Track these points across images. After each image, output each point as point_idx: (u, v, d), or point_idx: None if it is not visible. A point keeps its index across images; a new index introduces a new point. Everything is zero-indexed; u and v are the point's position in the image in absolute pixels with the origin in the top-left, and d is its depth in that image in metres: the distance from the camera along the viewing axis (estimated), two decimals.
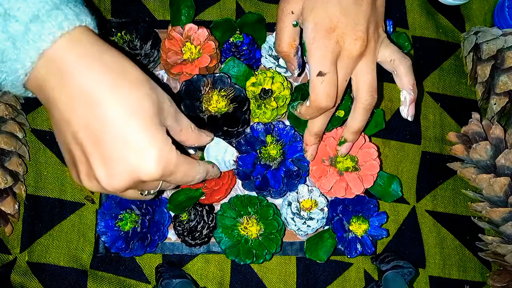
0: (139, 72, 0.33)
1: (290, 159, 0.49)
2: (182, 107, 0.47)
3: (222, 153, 0.46)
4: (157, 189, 0.37)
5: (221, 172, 0.46)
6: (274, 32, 0.53)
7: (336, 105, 0.42)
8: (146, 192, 0.37)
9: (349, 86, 0.49)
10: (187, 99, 0.47)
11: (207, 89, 0.47)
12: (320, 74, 0.39)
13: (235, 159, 0.47)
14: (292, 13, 0.41)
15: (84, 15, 0.32)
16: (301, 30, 0.42)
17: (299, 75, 0.47)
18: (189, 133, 0.38)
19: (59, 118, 0.31)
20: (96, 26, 0.33)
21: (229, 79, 0.48)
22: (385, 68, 0.44)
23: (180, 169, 0.34)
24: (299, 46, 0.43)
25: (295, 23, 0.41)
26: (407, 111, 0.44)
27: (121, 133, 0.31)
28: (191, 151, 0.46)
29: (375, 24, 0.41)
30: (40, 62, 0.30)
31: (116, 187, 0.32)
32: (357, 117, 0.43)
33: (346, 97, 0.50)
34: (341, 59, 0.40)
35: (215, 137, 0.45)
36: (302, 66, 0.45)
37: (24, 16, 0.29)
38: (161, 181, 0.35)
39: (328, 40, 0.39)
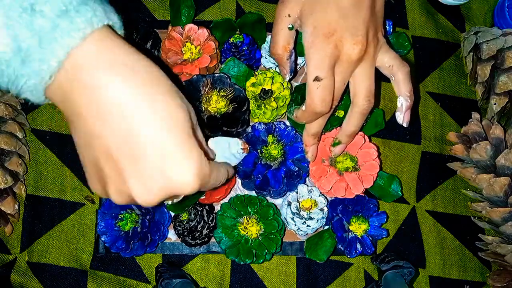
0: (169, 81, 0.31)
1: (291, 160, 0.49)
2: None
3: (227, 149, 0.46)
4: (180, 197, 0.35)
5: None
6: None
7: (332, 109, 0.42)
8: (169, 202, 0.36)
9: (348, 86, 0.49)
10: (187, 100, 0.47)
11: (206, 89, 0.47)
12: (316, 79, 0.39)
13: (242, 147, 0.46)
14: (289, 16, 0.41)
15: (111, 13, 0.30)
16: (297, 34, 0.42)
17: (290, 80, 0.47)
18: (202, 146, 0.36)
19: (86, 131, 0.29)
20: (122, 26, 0.31)
21: (228, 79, 0.48)
22: (383, 73, 0.43)
23: (212, 177, 0.34)
24: (293, 50, 0.43)
25: (290, 26, 0.42)
26: (402, 117, 0.44)
27: (158, 148, 0.29)
28: None
29: (374, 29, 0.40)
30: (66, 66, 0.27)
31: (152, 203, 0.30)
32: (353, 121, 0.43)
33: (346, 97, 0.50)
34: (339, 63, 0.39)
35: (212, 138, 0.45)
36: (294, 71, 0.45)
37: (51, 11, 0.26)
38: None
39: (327, 45, 0.38)
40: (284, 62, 0.43)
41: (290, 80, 0.46)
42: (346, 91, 0.50)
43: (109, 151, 0.29)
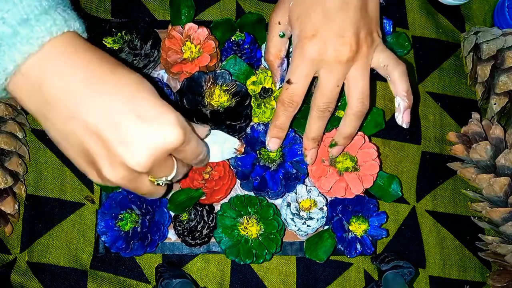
0: (126, 68, 0.33)
1: (289, 162, 0.49)
2: (184, 101, 0.47)
3: (219, 143, 0.46)
4: (173, 172, 0.36)
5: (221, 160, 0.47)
6: None
7: (330, 112, 0.43)
8: (163, 179, 0.36)
9: None
10: (189, 94, 0.48)
11: (208, 84, 0.48)
12: (288, 81, 0.41)
13: (236, 147, 0.46)
14: (279, 23, 0.42)
15: (72, 21, 0.32)
16: (290, 42, 0.43)
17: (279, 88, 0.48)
18: None
19: (60, 118, 0.31)
20: (85, 31, 0.33)
21: (230, 76, 0.49)
22: (380, 73, 0.43)
23: (192, 138, 0.34)
24: (284, 58, 0.44)
25: (281, 34, 0.42)
26: (401, 118, 0.44)
27: (133, 110, 0.30)
28: None
29: (367, 29, 0.40)
30: (24, 68, 0.29)
31: (144, 163, 0.31)
32: (348, 123, 0.43)
33: (346, 97, 0.50)
34: (327, 65, 0.39)
35: (214, 130, 0.45)
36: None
37: (12, 19, 0.28)
38: (175, 164, 0.35)
39: (308, 48, 0.39)
40: (275, 69, 0.44)
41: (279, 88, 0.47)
42: (341, 94, 0.50)
43: (89, 125, 0.30)
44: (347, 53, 0.39)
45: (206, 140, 0.45)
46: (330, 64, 0.39)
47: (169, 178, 0.36)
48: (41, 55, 0.29)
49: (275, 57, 0.43)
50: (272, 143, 0.46)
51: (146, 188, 0.35)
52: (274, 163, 0.48)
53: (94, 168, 0.32)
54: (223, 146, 0.46)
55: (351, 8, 0.39)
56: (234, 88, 0.48)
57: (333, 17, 0.39)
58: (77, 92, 0.30)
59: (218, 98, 0.48)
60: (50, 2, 0.30)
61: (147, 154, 0.31)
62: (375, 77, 0.59)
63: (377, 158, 0.49)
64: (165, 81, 0.54)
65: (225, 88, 0.48)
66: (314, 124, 0.44)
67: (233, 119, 0.48)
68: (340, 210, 0.50)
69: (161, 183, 0.36)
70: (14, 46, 0.28)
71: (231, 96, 0.48)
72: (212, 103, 0.48)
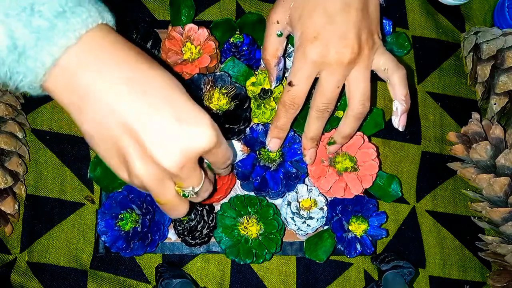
0: (161, 69, 0.33)
1: (289, 161, 0.49)
2: None
3: None
4: (200, 183, 0.35)
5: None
6: None
7: (329, 112, 0.43)
8: (189, 189, 0.35)
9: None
10: None
11: (208, 87, 0.47)
12: (290, 83, 0.41)
13: (242, 148, 0.47)
14: (278, 23, 0.41)
15: (105, 12, 0.31)
16: (287, 41, 0.43)
17: (274, 87, 0.48)
18: None
19: (96, 113, 0.30)
20: (115, 24, 0.33)
21: (229, 78, 0.48)
22: (379, 76, 0.43)
23: (223, 141, 0.34)
24: (281, 58, 0.44)
25: (279, 33, 0.42)
26: (398, 121, 0.44)
27: (170, 110, 0.30)
28: None
29: (368, 31, 0.40)
30: (62, 61, 0.29)
31: (176, 163, 0.31)
32: (348, 124, 0.43)
33: (346, 98, 0.50)
34: (329, 67, 0.39)
35: None
36: (282, 79, 0.46)
37: (49, 11, 0.28)
38: (203, 177, 0.35)
39: (309, 50, 0.39)
40: (271, 68, 0.44)
41: (274, 87, 0.47)
42: (341, 95, 0.50)
43: (125, 124, 0.30)
44: (349, 55, 0.39)
45: None
46: (331, 66, 0.39)
47: (196, 189, 0.35)
48: (79, 48, 0.29)
49: (272, 56, 0.43)
50: (273, 144, 0.46)
51: (170, 195, 0.34)
52: (274, 163, 0.48)
53: (124, 165, 0.32)
54: None
55: (352, 9, 0.39)
56: (233, 91, 0.48)
57: (335, 19, 0.38)
58: (115, 88, 0.30)
59: (217, 101, 0.47)
60: None
61: (181, 154, 0.31)
62: (375, 77, 0.59)
63: (376, 158, 0.49)
64: None
65: (224, 91, 0.48)
66: (313, 124, 0.44)
67: (232, 122, 0.48)
68: (339, 210, 0.50)
69: (186, 194, 0.35)
70: (51, 40, 0.28)
71: (230, 99, 0.48)
72: (211, 106, 0.48)
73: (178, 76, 0.42)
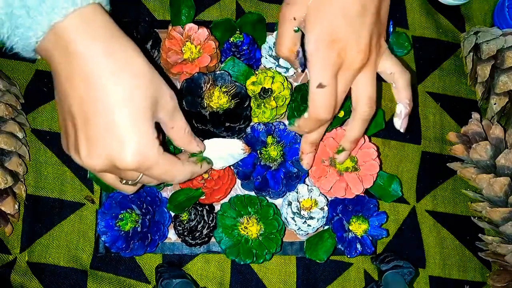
0: (143, 63, 0.34)
1: (290, 161, 0.49)
2: (183, 103, 0.47)
3: (224, 150, 0.46)
4: (137, 181, 0.37)
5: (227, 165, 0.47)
6: (274, 32, 0.53)
7: (334, 116, 0.42)
8: (125, 181, 0.38)
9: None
10: (189, 96, 0.48)
11: (208, 86, 0.47)
12: (320, 86, 0.39)
13: (243, 148, 0.47)
14: (295, 19, 0.40)
15: None
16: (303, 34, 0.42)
17: (303, 71, 0.47)
18: (180, 134, 0.39)
19: (60, 90, 0.33)
20: (108, 3, 0.35)
21: (229, 77, 0.48)
22: (384, 78, 0.43)
23: (159, 167, 0.35)
24: (299, 49, 0.42)
25: (296, 29, 0.41)
26: (400, 123, 0.44)
27: (109, 119, 0.32)
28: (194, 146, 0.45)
29: (377, 35, 0.40)
30: (49, 35, 0.31)
31: (92, 167, 0.34)
32: (356, 127, 0.43)
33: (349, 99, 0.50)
34: (342, 71, 0.39)
35: (208, 140, 0.45)
36: (305, 64, 0.44)
37: None
38: (141, 175, 0.36)
39: (330, 52, 0.38)
40: (293, 61, 0.43)
41: (303, 71, 0.46)
42: (347, 97, 0.50)
43: (71, 109, 0.33)
44: (361, 60, 0.39)
45: (213, 149, 0.45)
46: (343, 70, 0.39)
47: (131, 182, 0.37)
48: (66, 23, 0.31)
49: (290, 51, 0.42)
50: (307, 159, 0.46)
51: (107, 180, 0.38)
52: (275, 163, 0.48)
53: (65, 140, 0.35)
54: (231, 150, 0.46)
55: (369, 13, 0.38)
56: (234, 90, 0.48)
57: (353, 22, 0.38)
58: (76, 76, 0.32)
59: (217, 99, 0.47)
60: None
61: (98, 162, 0.33)
62: (378, 78, 0.59)
63: (377, 158, 0.49)
64: None
65: (224, 90, 0.48)
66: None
67: (232, 121, 0.48)
68: (340, 210, 0.50)
69: (122, 182, 0.37)
70: (41, 14, 0.30)
71: (230, 98, 0.48)
72: (211, 105, 0.47)
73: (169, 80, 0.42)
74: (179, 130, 0.38)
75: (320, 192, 0.50)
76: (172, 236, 0.51)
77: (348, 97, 0.50)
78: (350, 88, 0.42)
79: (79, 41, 0.31)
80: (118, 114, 0.32)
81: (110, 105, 0.32)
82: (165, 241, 0.51)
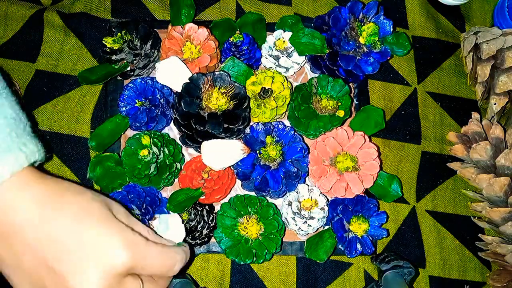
0: (78, 186, 0.34)
1: (290, 160, 0.49)
2: (182, 104, 0.47)
3: (223, 151, 0.46)
4: None
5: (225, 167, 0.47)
6: (274, 32, 0.53)
7: None
8: None
9: (348, 84, 0.49)
10: (187, 97, 0.47)
11: (207, 87, 0.47)
12: None
13: (242, 148, 0.47)
14: None
15: (32, 155, 0.33)
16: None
17: None
18: (145, 235, 0.37)
19: (15, 252, 0.31)
20: (44, 157, 0.36)
21: (228, 77, 0.48)
22: None
23: (153, 255, 0.34)
24: None
25: None
26: None
27: (79, 238, 0.31)
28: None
29: None
30: None
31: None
32: None
33: (346, 97, 0.50)
34: None
35: (205, 141, 0.45)
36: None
37: None
38: (141, 284, 0.34)
39: None
40: None
41: None
42: (348, 90, 0.50)
43: (43, 260, 0.31)
44: None
45: (212, 150, 0.45)
46: None
47: None
48: (6, 187, 0.31)
49: None
50: None
51: None
52: (274, 162, 0.48)
53: None
54: (230, 151, 0.46)
55: None
56: (232, 90, 0.48)
57: None
58: (31, 226, 0.31)
59: (216, 101, 0.47)
60: (13, 137, 0.32)
61: (98, 278, 0.30)
62: (381, 78, 0.59)
63: (377, 158, 0.49)
64: None
65: (223, 91, 0.48)
66: None
67: (231, 122, 0.48)
68: (340, 210, 0.50)
69: None
70: None
71: (229, 99, 0.48)
72: (210, 106, 0.47)
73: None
74: (142, 232, 0.36)
75: (320, 192, 0.50)
76: None
77: (348, 97, 0.50)
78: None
79: (17, 201, 0.31)
80: (83, 226, 0.31)
81: (74, 228, 0.31)
82: None
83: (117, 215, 0.34)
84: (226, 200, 0.50)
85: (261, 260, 0.48)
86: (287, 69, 0.53)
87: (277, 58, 0.52)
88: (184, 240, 0.44)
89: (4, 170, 0.31)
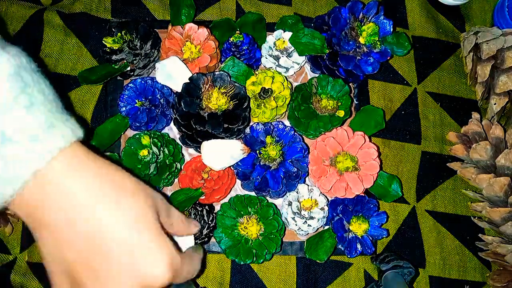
0: (133, 181, 0.33)
1: (290, 160, 0.49)
2: (182, 104, 0.47)
3: (223, 151, 0.46)
4: None
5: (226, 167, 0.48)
6: (274, 32, 0.53)
7: None
8: None
9: (348, 84, 0.49)
10: (187, 97, 0.47)
11: (207, 87, 0.47)
12: None
13: (242, 148, 0.47)
14: None
15: (77, 129, 0.31)
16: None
17: None
18: (180, 225, 0.38)
19: (57, 239, 0.30)
20: (84, 133, 0.33)
21: (228, 77, 0.48)
22: None
23: (184, 268, 0.34)
24: None
25: None
26: None
27: (127, 245, 0.30)
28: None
29: None
30: (33, 183, 0.28)
31: None
32: None
33: (346, 97, 0.50)
34: None
35: (206, 141, 0.45)
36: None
37: (20, 136, 0.27)
38: None
39: None
40: None
41: None
42: (348, 90, 0.50)
43: (82, 255, 0.29)
44: None
45: (212, 150, 0.45)
46: None
47: None
48: (49, 169, 0.29)
49: None
50: None
51: None
52: (274, 162, 0.48)
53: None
54: (230, 151, 0.46)
55: None
56: (232, 90, 0.48)
57: None
58: (84, 217, 0.29)
59: (216, 101, 0.47)
60: (54, 113, 0.30)
61: None
62: (381, 78, 0.59)
63: (377, 158, 0.49)
64: None
65: (223, 91, 0.48)
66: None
67: (231, 122, 0.48)
68: (340, 210, 0.50)
69: None
70: (23, 163, 0.28)
71: (229, 99, 0.48)
72: (210, 106, 0.47)
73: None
74: (178, 223, 0.37)
75: (321, 192, 0.50)
76: None
77: (348, 97, 0.50)
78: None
79: (71, 181, 0.29)
80: (136, 237, 0.30)
81: (125, 232, 0.30)
82: None
83: (160, 214, 0.34)
84: (226, 200, 0.50)
85: (261, 260, 0.48)
86: (287, 69, 0.53)
87: (277, 58, 0.52)
88: None
89: (51, 145, 0.28)
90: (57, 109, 0.31)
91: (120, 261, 0.30)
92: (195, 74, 0.48)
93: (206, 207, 0.50)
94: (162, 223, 0.34)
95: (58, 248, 0.30)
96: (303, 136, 0.52)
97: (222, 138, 0.48)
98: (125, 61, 0.52)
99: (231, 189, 0.51)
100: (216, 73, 0.48)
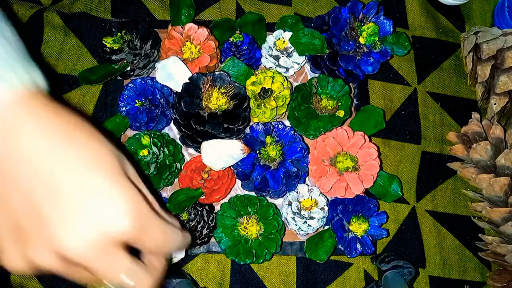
0: (93, 128, 0.29)
1: (290, 160, 0.49)
2: (182, 104, 0.47)
3: (223, 152, 0.46)
4: (122, 275, 0.28)
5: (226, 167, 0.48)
6: (274, 32, 0.53)
7: None
8: (109, 285, 0.29)
9: (348, 84, 0.49)
10: (187, 97, 0.47)
11: (206, 87, 0.47)
12: None
13: (242, 148, 0.47)
14: None
15: (37, 77, 0.29)
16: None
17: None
18: (150, 199, 0.32)
19: (2, 186, 0.27)
20: (45, 81, 0.31)
21: (228, 77, 0.48)
22: None
23: (156, 229, 0.29)
24: None
25: None
26: None
27: (85, 187, 0.26)
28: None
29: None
30: None
31: (82, 250, 0.26)
32: None
33: (346, 97, 0.50)
34: None
35: (206, 141, 0.45)
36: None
37: None
38: (130, 264, 0.28)
39: None
40: None
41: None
42: (348, 90, 0.50)
43: (31, 199, 0.26)
44: None
45: (212, 150, 0.45)
46: None
47: (117, 283, 0.28)
48: (4, 106, 0.27)
49: None
50: None
51: (85, 280, 0.29)
52: (274, 162, 0.48)
53: (19, 248, 0.27)
54: (230, 151, 0.46)
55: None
56: (232, 90, 0.48)
57: None
58: (31, 158, 0.27)
59: (216, 101, 0.47)
60: (13, 56, 0.28)
61: (87, 237, 0.26)
62: (381, 78, 0.59)
63: (377, 158, 0.49)
64: None
65: (223, 91, 0.48)
66: None
67: (230, 122, 0.48)
68: (340, 210, 0.50)
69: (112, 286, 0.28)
70: None
71: (229, 99, 0.48)
72: (210, 106, 0.47)
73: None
74: (148, 197, 0.31)
75: (320, 192, 0.50)
76: None
77: (348, 97, 0.50)
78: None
79: (22, 121, 0.27)
80: (93, 175, 0.27)
81: (82, 174, 0.27)
82: None
83: (128, 172, 0.30)
84: (226, 200, 0.50)
85: (261, 260, 0.48)
86: (287, 69, 0.53)
87: (277, 58, 0.52)
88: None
89: (3, 86, 0.27)
90: (19, 54, 0.29)
91: (77, 202, 0.26)
92: (195, 74, 0.48)
93: (206, 207, 0.50)
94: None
95: (3, 196, 0.27)
96: (303, 136, 0.52)
97: (222, 138, 0.48)
98: (125, 61, 0.52)
99: (231, 189, 0.51)
100: (216, 73, 0.48)
